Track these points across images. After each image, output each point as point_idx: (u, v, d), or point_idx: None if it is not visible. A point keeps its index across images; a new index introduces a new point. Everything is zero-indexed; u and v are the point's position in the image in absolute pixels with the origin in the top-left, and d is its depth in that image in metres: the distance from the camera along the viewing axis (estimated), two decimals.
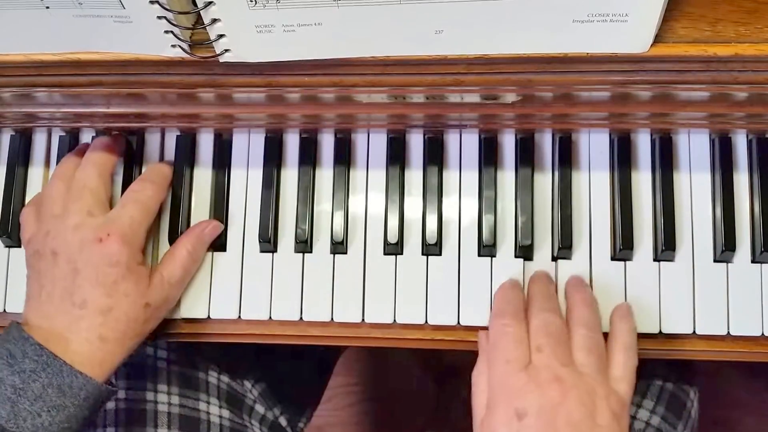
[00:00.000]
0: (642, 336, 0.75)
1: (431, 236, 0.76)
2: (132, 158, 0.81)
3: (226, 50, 0.61)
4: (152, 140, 0.82)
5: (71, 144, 0.82)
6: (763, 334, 0.74)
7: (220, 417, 0.88)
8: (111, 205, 0.76)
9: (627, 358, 0.69)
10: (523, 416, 0.63)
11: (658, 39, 0.58)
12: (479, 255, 0.77)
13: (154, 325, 0.75)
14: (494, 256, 0.77)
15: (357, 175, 0.79)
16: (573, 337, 0.68)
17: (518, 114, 0.72)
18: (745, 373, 1.62)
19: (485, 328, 0.72)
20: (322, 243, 0.78)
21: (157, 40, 0.61)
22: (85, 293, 0.70)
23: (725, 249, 0.74)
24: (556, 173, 0.77)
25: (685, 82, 0.62)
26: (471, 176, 0.78)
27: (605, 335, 0.71)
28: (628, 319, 0.72)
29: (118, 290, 0.71)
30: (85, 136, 0.82)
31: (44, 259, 0.72)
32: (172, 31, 0.60)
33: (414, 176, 0.79)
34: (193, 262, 0.77)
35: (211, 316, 0.78)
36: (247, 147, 0.80)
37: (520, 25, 0.57)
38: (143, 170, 0.81)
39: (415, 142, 0.79)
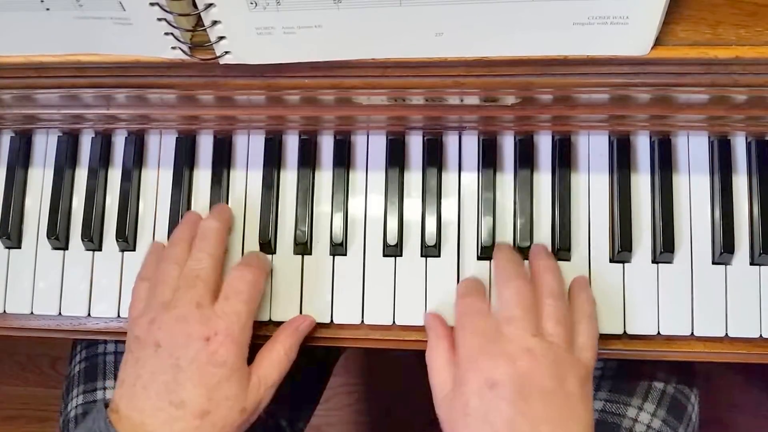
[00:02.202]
0: (640, 338, 0.75)
1: (430, 238, 0.76)
2: (130, 165, 0.81)
3: (227, 52, 0.61)
4: (152, 142, 0.82)
5: (70, 145, 0.82)
6: (761, 335, 0.74)
7: None
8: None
9: (590, 327, 0.71)
10: (494, 386, 0.64)
11: (658, 42, 0.58)
12: (478, 257, 0.77)
13: (244, 429, 0.71)
14: (492, 259, 0.77)
15: (356, 177, 0.79)
16: (542, 307, 0.69)
17: (517, 116, 0.72)
18: (740, 374, 1.63)
19: None
20: (321, 245, 0.78)
21: (157, 42, 0.61)
22: (185, 393, 0.67)
23: (724, 251, 0.74)
24: (556, 175, 0.77)
25: (686, 85, 0.62)
26: (470, 178, 0.78)
27: None
28: (587, 289, 0.74)
29: (220, 393, 0.68)
30: (85, 137, 0.82)
31: (146, 348, 0.69)
32: (172, 33, 0.60)
33: (413, 178, 0.79)
34: (288, 361, 0.74)
35: None
36: (247, 149, 0.80)
37: (521, 27, 0.57)
38: (142, 174, 0.81)
39: (415, 144, 0.79)
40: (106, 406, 0.69)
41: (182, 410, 0.67)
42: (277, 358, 0.73)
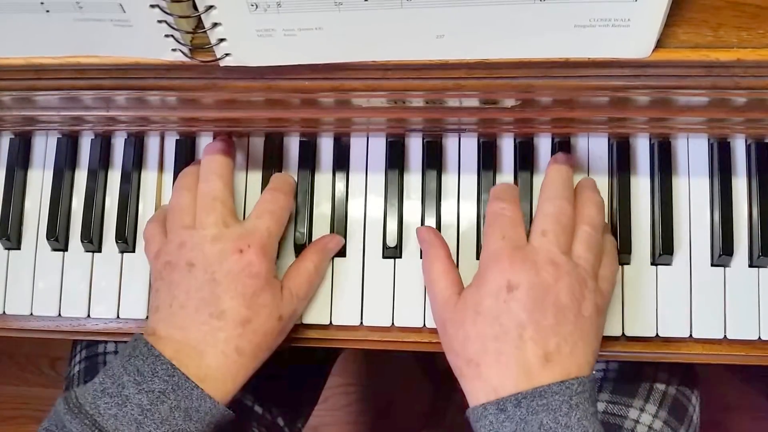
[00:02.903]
0: (639, 339, 0.75)
1: None
2: (130, 166, 0.81)
3: (227, 54, 0.61)
4: (152, 144, 0.81)
5: (70, 146, 0.82)
6: (759, 337, 0.74)
7: None
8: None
9: (613, 263, 0.73)
10: (513, 288, 0.65)
11: (659, 44, 0.58)
12: (477, 259, 0.77)
13: (282, 339, 0.74)
14: None
15: (356, 179, 0.79)
16: (576, 232, 0.70)
17: (517, 118, 0.72)
18: (738, 375, 1.63)
19: None
20: None
21: (157, 44, 0.61)
22: (224, 304, 0.69)
23: (723, 253, 0.74)
24: None
25: (687, 87, 0.62)
26: (470, 180, 0.78)
27: None
28: (611, 237, 0.75)
29: (257, 302, 0.70)
30: (85, 139, 0.82)
31: (178, 270, 0.70)
32: (172, 35, 0.59)
33: (413, 180, 0.79)
34: (318, 275, 0.76)
35: None
36: (247, 150, 0.80)
37: (522, 29, 0.57)
38: (141, 176, 0.81)
39: (414, 146, 0.79)
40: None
41: (223, 320, 0.69)
42: (305, 272, 0.75)
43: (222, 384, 0.67)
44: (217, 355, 0.68)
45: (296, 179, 0.79)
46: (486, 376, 0.65)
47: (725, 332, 0.75)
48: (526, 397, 0.62)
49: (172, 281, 0.70)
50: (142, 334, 0.69)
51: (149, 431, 0.63)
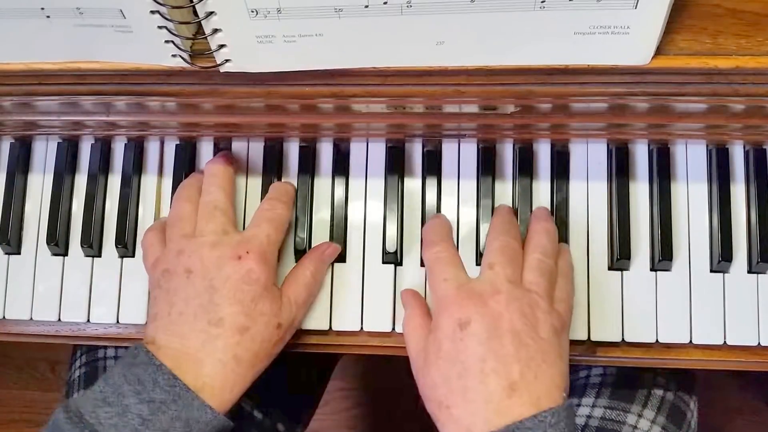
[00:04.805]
0: (639, 345, 0.75)
1: None
2: (130, 171, 0.81)
3: (227, 60, 0.61)
4: (152, 149, 0.82)
5: (70, 151, 0.82)
6: (759, 343, 0.75)
7: None
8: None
9: (567, 285, 0.72)
10: (465, 325, 0.65)
11: (659, 51, 0.58)
12: (477, 264, 0.77)
13: (281, 348, 0.74)
14: None
15: (356, 184, 0.79)
16: (526, 260, 0.70)
17: (516, 124, 0.73)
18: (737, 380, 1.63)
19: None
20: None
21: (157, 50, 0.61)
22: (222, 311, 0.68)
23: (722, 259, 0.74)
24: (555, 183, 0.77)
25: (686, 94, 0.62)
26: (469, 185, 0.78)
27: None
28: (567, 256, 0.75)
29: (256, 309, 0.70)
30: (85, 144, 0.82)
31: (176, 278, 0.70)
32: (172, 41, 0.60)
33: (412, 185, 0.79)
34: (315, 283, 0.76)
35: None
36: (247, 155, 0.80)
37: (522, 36, 0.57)
38: (141, 181, 0.81)
39: (414, 152, 0.79)
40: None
41: (221, 328, 0.68)
42: (303, 280, 0.75)
43: (219, 393, 0.67)
44: (215, 364, 0.67)
45: (296, 184, 0.79)
46: (457, 417, 0.64)
47: (725, 338, 0.75)
48: None
49: (170, 289, 0.70)
50: (142, 341, 0.69)
51: None
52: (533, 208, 0.77)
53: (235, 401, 0.69)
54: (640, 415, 0.84)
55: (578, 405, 0.87)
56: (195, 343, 0.68)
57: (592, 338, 0.75)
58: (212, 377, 0.67)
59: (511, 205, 0.77)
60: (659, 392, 0.86)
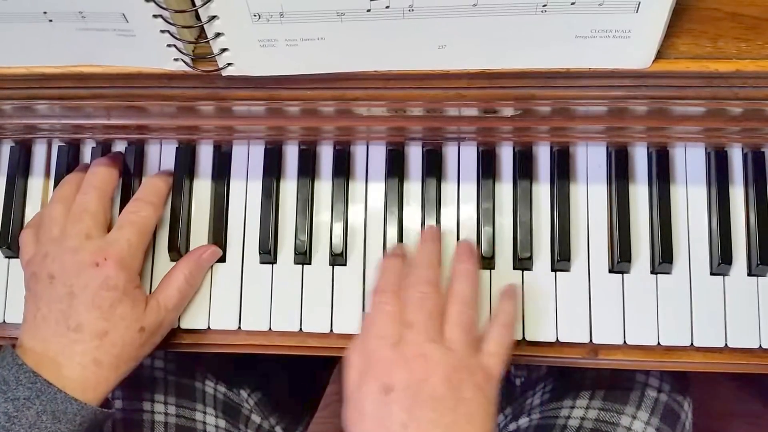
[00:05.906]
0: (640, 348, 0.75)
1: None
2: (130, 174, 0.81)
3: (229, 64, 0.61)
4: (152, 152, 0.82)
5: (71, 155, 0.82)
6: (760, 346, 0.75)
7: (217, 427, 0.88)
8: (111, 226, 0.76)
9: (502, 336, 0.70)
10: (389, 391, 0.65)
11: (659, 55, 0.58)
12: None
13: (149, 350, 0.74)
14: (493, 268, 0.77)
15: (356, 187, 0.79)
16: (447, 311, 0.69)
17: (517, 127, 0.73)
18: (735, 382, 1.63)
19: None
20: (321, 254, 0.78)
21: (159, 54, 0.61)
22: (81, 317, 0.70)
23: (722, 262, 0.75)
24: (555, 186, 0.77)
25: (686, 98, 0.63)
26: (469, 188, 0.79)
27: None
28: (512, 299, 0.74)
29: (114, 314, 0.70)
30: (86, 147, 0.82)
31: (41, 282, 0.71)
32: (175, 45, 0.60)
33: (412, 188, 0.79)
34: (189, 287, 0.76)
35: (211, 327, 0.78)
36: (247, 158, 0.80)
37: (523, 40, 0.57)
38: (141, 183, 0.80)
39: (414, 155, 0.79)
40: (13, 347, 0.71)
41: (80, 333, 0.70)
42: (176, 283, 0.75)
43: (81, 394, 0.68)
44: (74, 367, 0.69)
45: (296, 187, 0.79)
46: None
47: (726, 341, 0.75)
48: None
49: (36, 292, 0.72)
50: (12, 345, 0.70)
51: None
52: (460, 241, 0.76)
53: (101, 400, 0.70)
54: (634, 417, 0.85)
55: (572, 407, 0.87)
56: (56, 348, 0.69)
57: (594, 341, 0.75)
58: (73, 380, 0.68)
59: (512, 209, 0.78)
60: (653, 393, 0.86)
